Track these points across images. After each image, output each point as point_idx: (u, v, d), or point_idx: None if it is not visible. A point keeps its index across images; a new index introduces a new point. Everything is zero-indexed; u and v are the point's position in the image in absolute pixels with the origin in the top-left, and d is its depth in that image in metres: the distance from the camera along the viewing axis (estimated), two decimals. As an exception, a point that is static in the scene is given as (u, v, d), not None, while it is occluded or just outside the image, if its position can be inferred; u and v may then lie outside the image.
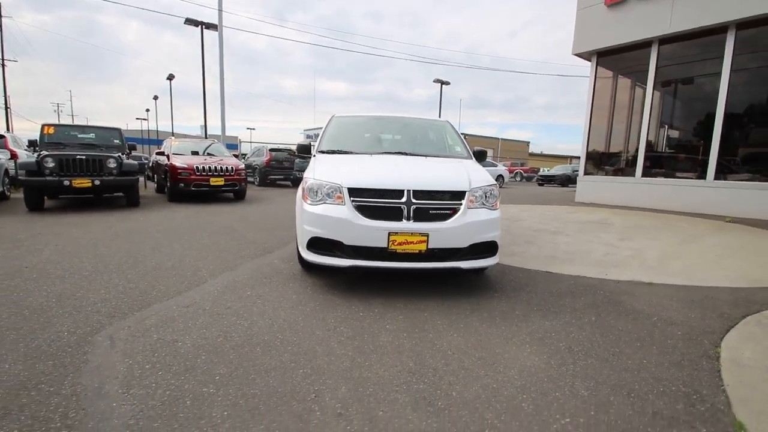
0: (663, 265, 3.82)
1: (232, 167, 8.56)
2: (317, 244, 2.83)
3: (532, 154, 44.78)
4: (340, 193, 2.81)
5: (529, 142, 47.54)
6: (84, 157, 6.55)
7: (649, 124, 8.22)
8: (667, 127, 9.32)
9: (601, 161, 9.93)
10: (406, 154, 3.71)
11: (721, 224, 6.15)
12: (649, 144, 8.46)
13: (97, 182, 6.51)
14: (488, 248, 2.91)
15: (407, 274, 3.25)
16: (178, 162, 8.17)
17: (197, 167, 8.09)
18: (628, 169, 8.97)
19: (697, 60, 7.92)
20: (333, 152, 3.68)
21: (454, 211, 2.79)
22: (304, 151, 4.08)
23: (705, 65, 7.89)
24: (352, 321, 2.43)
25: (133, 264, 3.64)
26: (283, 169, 13.67)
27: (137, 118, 47.33)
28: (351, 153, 3.69)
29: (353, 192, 2.78)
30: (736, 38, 6.93)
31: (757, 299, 2.91)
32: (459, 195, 2.83)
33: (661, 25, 7.67)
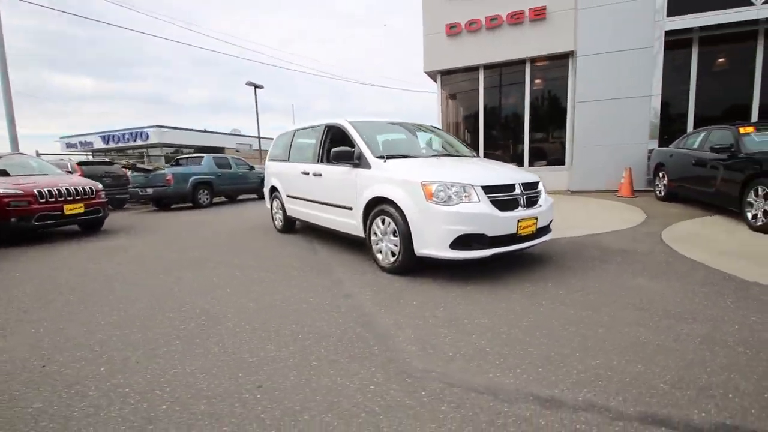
0: (586, 224, 5.75)
1: (90, 188, 6.34)
2: (459, 242, 3.09)
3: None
4: (469, 191, 3.16)
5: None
6: None
7: (483, 127, 11.04)
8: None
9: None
10: (450, 155, 4.22)
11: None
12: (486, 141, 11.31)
13: None
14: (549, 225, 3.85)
15: (500, 258, 3.72)
16: (0, 188, 5.42)
17: (40, 192, 5.63)
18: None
19: (506, 84, 11.19)
20: (393, 156, 3.79)
21: (538, 197, 3.61)
22: (345, 157, 3.90)
23: (512, 88, 11.21)
24: (521, 300, 2.93)
25: None
26: (109, 188, 10.50)
27: None
28: (410, 156, 3.90)
29: (486, 189, 3.20)
30: (531, 69, 10.33)
31: (646, 227, 5.02)
32: (537, 185, 3.66)
33: (485, 55, 10.47)
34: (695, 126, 8.87)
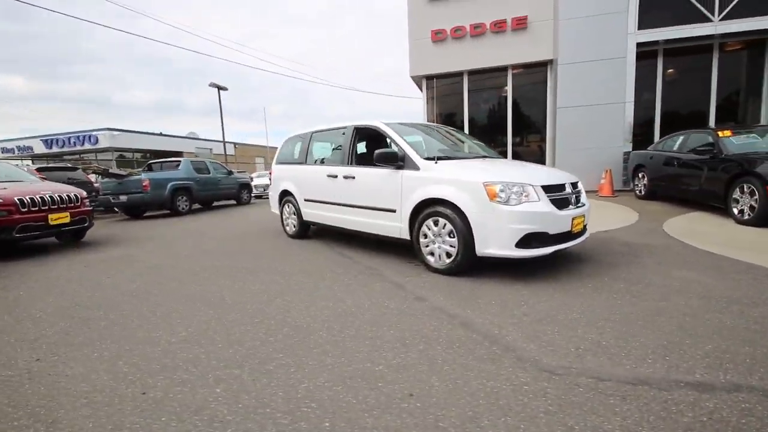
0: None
1: (75, 195, 5.76)
2: (523, 240, 3.16)
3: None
4: (528, 191, 3.24)
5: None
6: None
7: (468, 131, 11.35)
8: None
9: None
10: (487, 157, 4.31)
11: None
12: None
13: None
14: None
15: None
16: (-26, 196, 4.76)
17: (22, 200, 5.01)
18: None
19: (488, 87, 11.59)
20: (440, 158, 3.79)
21: (581, 196, 3.77)
22: (390, 159, 3.83)
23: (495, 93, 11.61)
24: (593, 295, 3.05)
25: None
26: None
27: None
28: (456, 158, 3.93)
29: (545, 189, 3.29)
30: (513, 75, 10.79)
31: (644, 223, 5.40)
32: (578, 184, 3.82)
33: (469, 61, 10.79)
34: (662, 129, 9.70)
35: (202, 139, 34.69)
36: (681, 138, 7.13)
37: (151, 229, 7.60)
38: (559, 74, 9.86)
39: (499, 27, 10.33)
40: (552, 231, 3.23)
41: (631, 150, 9.41)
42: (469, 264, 3.41)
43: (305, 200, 5.32)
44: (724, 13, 8.70)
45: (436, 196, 3.50)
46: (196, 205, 11.09)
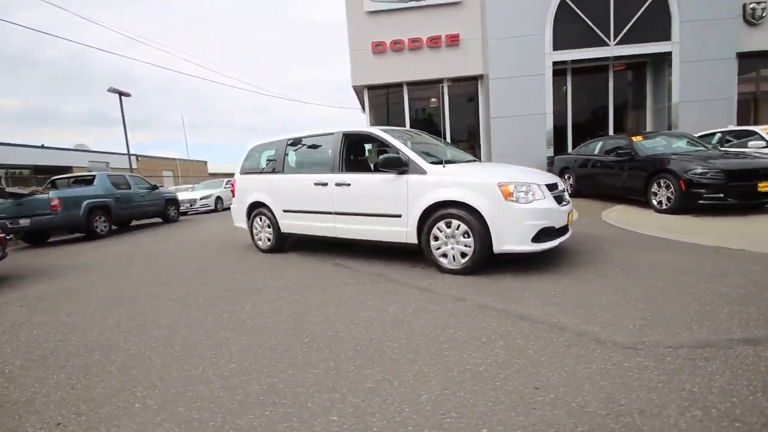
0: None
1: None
2: (537, 235, 3.40)
3: (213, 174, 43.72)
4: (534, 189, 3.51)
5: (206, 162, 46.01)
6: None
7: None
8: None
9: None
10: (474, 161, 4.53)
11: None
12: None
13: None
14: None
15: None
16: None
17: None
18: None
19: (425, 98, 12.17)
20: (447, 162, 3.90)
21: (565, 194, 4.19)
22: (395, 164, 3.83)
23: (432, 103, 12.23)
24: (599, 279, 3.41)
25: None
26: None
27: None
28: (456, 162, 4.07)
29: (548, 187, 3.59)
30: (448, 87, 11.50)
31: (585, 217, 6.18)
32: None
33: (408, 73, 11.25)
34: (573, 137, 11.22)
35: (95, 151, 30.25)
36: (600, 143, 8.33)
37: (73, 257, 6.39)
38: (491, 87, 10.82)
39: (434, 43, 10.98)
40: (557, 225, 3.55)
41: (553, 155, 10.68)
42: (484, 263, 3.56)
43: (284, 211, 5.01)
44: (618, 38, 10.46)
45: (450, 199, 3.59)
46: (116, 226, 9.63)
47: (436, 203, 3.68)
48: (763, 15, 10.65)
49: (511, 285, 3.24)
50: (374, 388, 1.85)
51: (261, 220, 5.36)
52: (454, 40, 10.93)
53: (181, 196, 14.70)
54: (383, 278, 3.73)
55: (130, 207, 9.74)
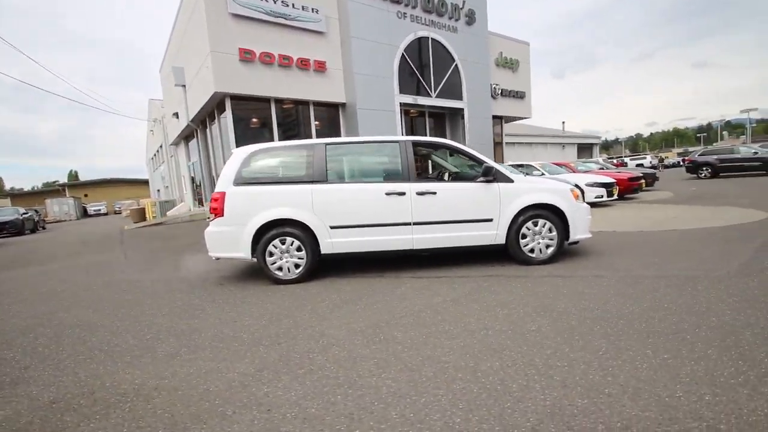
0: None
1: None
2: (586, 226, 4.64)
3: None
4: (579, 191, 4.78)
5: None
6: None
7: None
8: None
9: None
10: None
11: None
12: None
13: None
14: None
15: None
16: None
17: None
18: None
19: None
20: (521, 173, 4.58)
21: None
22: (490, 173, 4.18)
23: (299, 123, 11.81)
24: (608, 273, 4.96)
25: None
26: None
27: None
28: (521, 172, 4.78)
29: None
30: (315, 110, 11.54)
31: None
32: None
33: (277, 89, 10.63)
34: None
35: None
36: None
37: None
38: (358, 115, 11.75)
39: (304, 64, 10.94)
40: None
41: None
42: (560, 252, 4.50)
43: (333, 227, 4.18)
44: (436, 92, 13.70)
45: (541, 202, 4.32)
46: None
47: (528, 206, 4.33)
48: (497, 93, 16.68)
49: (584, 276, 4.17)
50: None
51: (283, 243, 4.18)
52: (321, 67, 11.22)
53: None
54: (482, 279, 3.97)
55: None
